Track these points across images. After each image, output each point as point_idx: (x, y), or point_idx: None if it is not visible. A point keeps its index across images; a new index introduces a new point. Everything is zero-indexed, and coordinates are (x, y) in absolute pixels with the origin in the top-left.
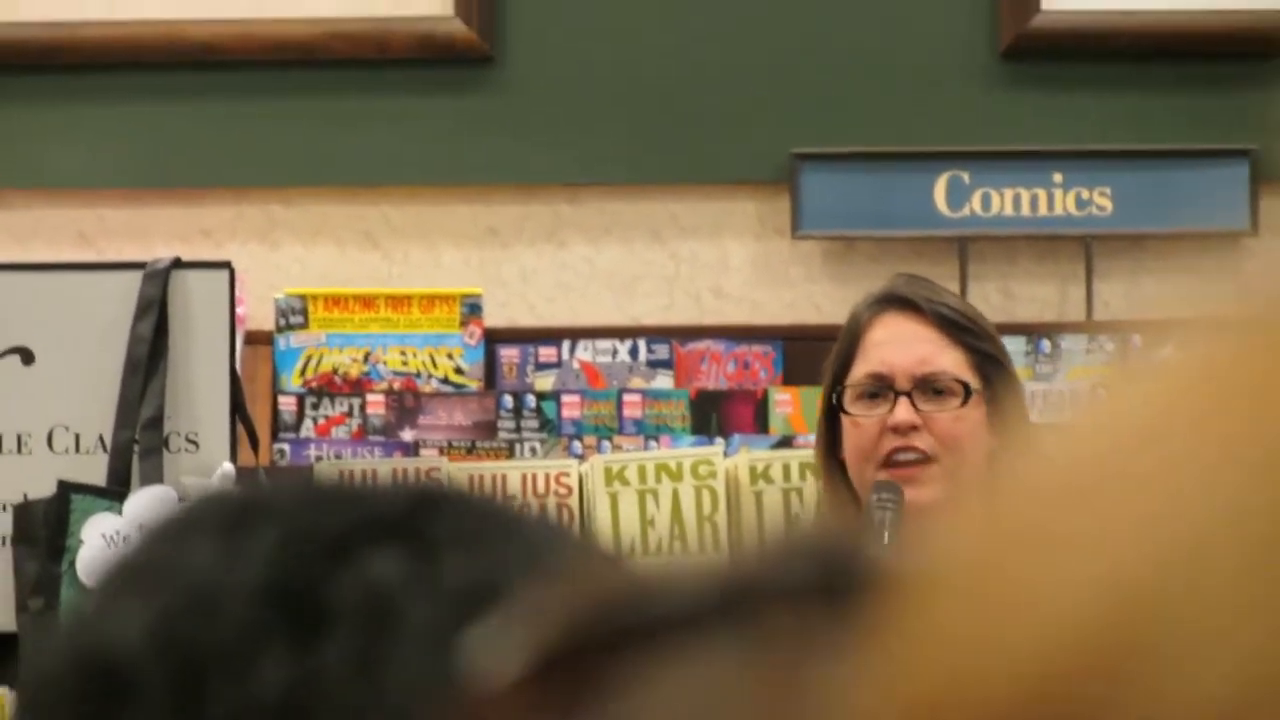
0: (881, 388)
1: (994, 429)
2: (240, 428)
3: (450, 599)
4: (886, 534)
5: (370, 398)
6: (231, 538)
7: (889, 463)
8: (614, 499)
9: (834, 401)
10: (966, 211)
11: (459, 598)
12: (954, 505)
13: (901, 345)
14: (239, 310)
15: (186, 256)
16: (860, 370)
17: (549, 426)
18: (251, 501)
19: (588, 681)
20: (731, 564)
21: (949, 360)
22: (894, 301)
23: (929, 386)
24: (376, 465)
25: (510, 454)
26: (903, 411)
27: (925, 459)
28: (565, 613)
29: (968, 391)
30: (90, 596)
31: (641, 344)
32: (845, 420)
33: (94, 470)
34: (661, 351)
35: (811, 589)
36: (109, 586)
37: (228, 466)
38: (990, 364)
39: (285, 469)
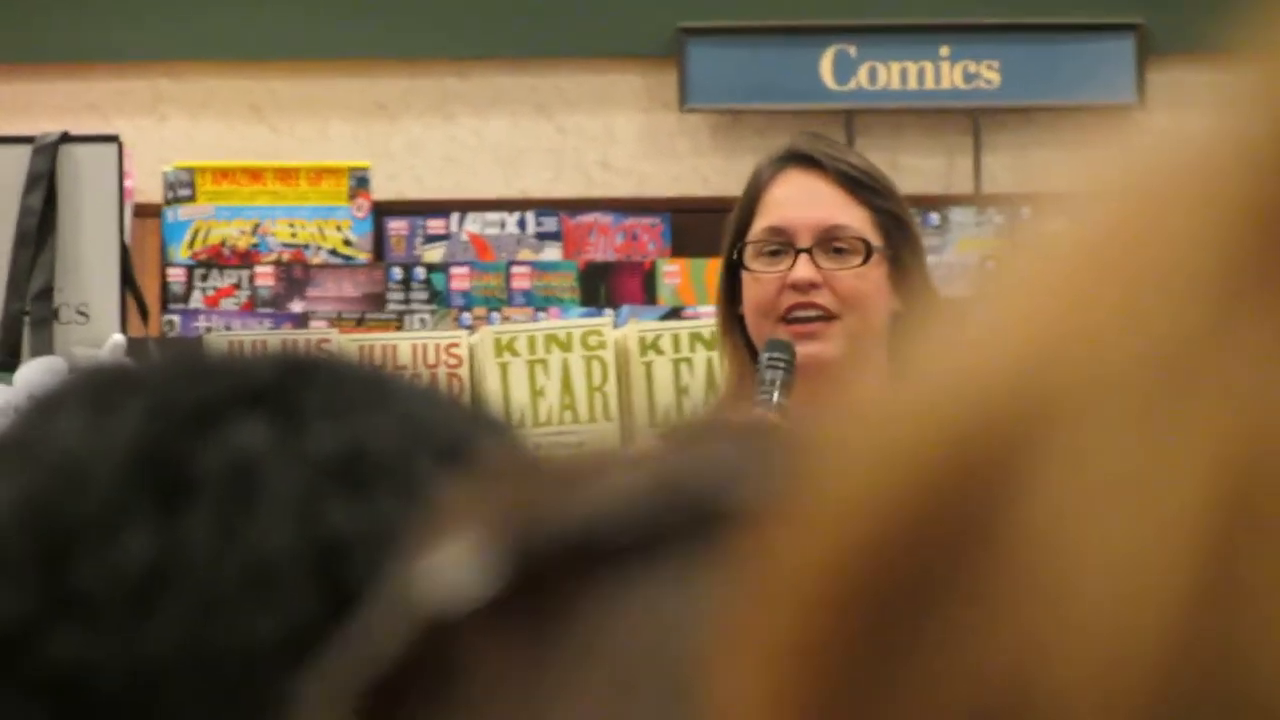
0: (782, 244)
1: (896, 289)
2: (130, 300)
3: (315, 466)
4: (777, 393)
5: (259, 269)
6: (98, 411)
7: (788, 319)
8: (504, 369)
9: (734, 257)
10: (853, 85)
11: (324, 465)
12: (853, 362)
13: (803, 202)
14: (127, 184)
15: (74, 131)
16: (760, 226)
17: (438, 298)
18: (120, 375)
19: (549, 604)
20: (666, 465)
21: (851, 217)
22: (796, 159)
23: (830, 244)
24: (265, 337)
25: (400, 325)
26: (803, 268)
27: (826, 316)
28: (518, 531)
29: (869, 250)
30: None
31: (530, 217)
32: (745, 276)
33: None
34: (550, 224)
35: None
36: None
37: (118, 337)
38: (893, 223)
39: (173, 340)
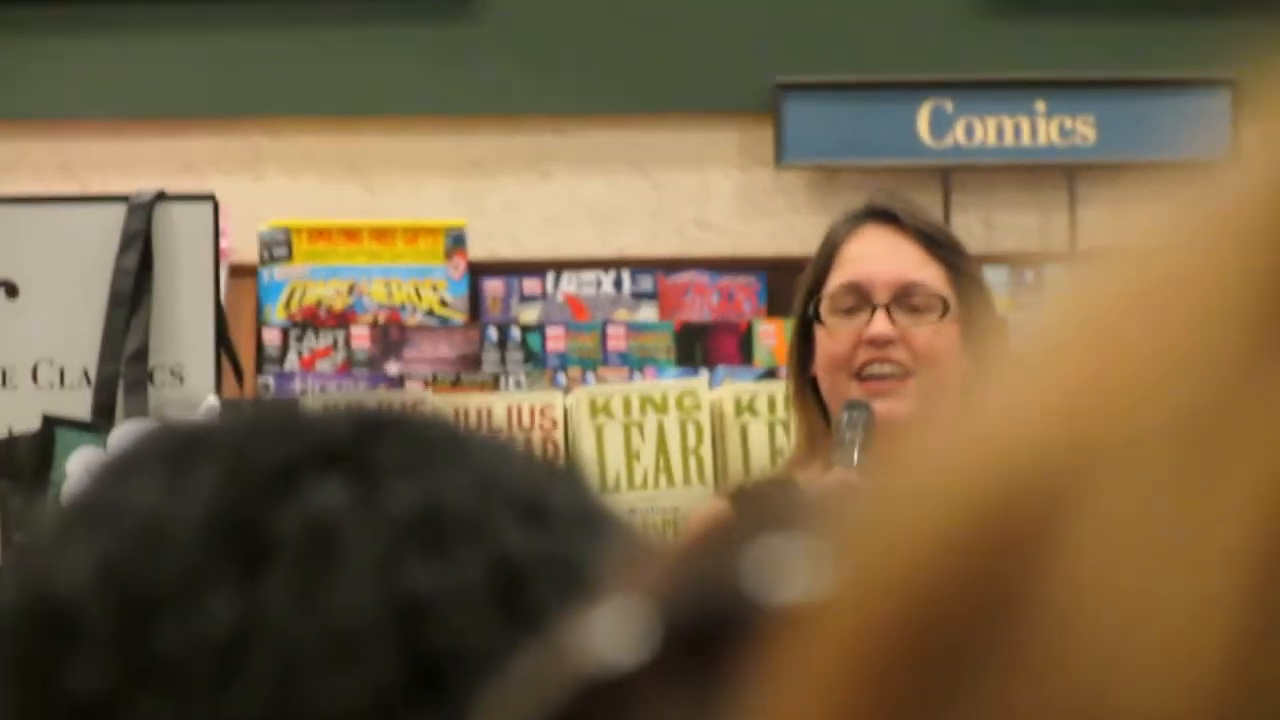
0: (858, 299)
1: (968, 349)
2: (225, 361)
3: (393, 527)
4: (856, 453)
5: (355, 330)
6: (175, 473)
7: (862, 375)
8: (599, 431)
9: (809, 313)
10: (950, 141)
11: (402, 525)
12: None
13: (880, 258)
14: (223, 243)
15: (171, 189)
16: (836, 281)
17: (534, 359)
18: (195, 435)
19: (717, 667)
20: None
21: (928, 275)
22: (873, 215)
23: (906, 301)
24: (362, 399)
25: (495, 386)
26: (880, 323)
27: (901, 373)
28: (690, 586)
29: (946, 306)
30: (37, 536)
31: (625, 276)
32: (819, 331)
33: (79, 404)
34: (645, 283)
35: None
36: (57, 526)
37: (213, 399)
38: (967, 282)
39: (246, 399)
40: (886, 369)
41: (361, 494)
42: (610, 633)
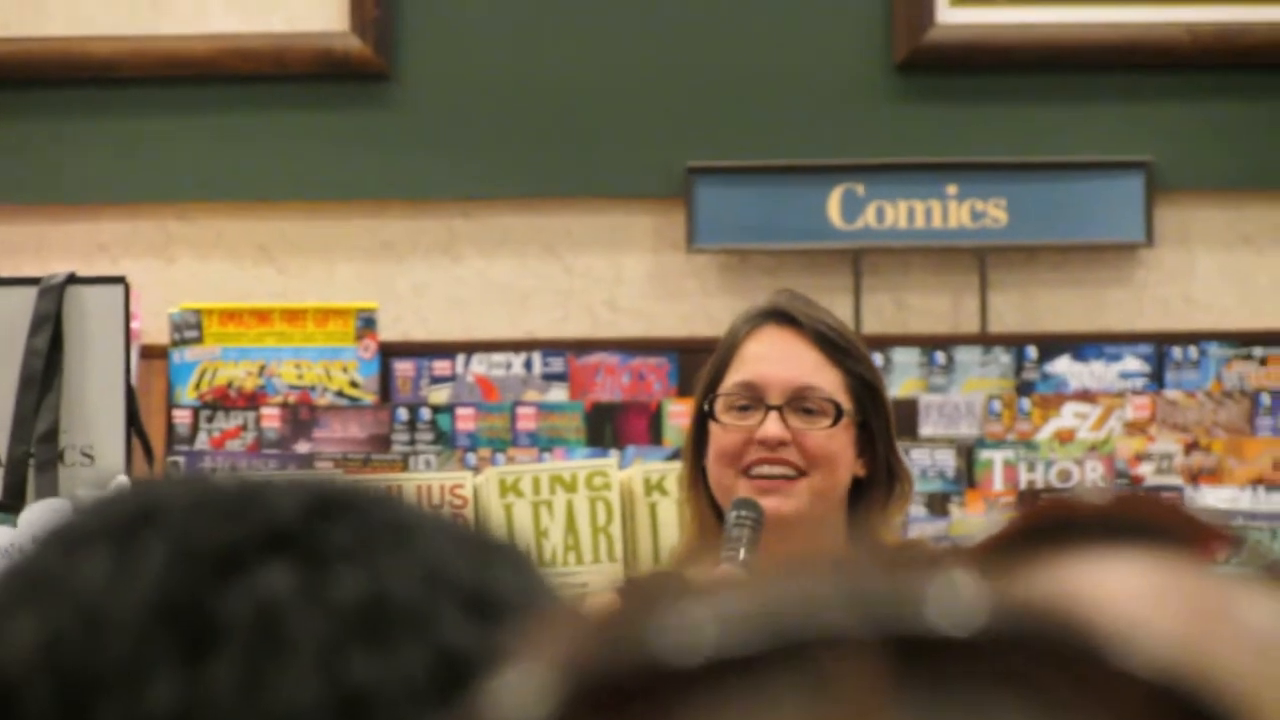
0: (753, 399)
1: (860, 453)
2: (136, 441)
3: (340, 614)
4: (743, 551)
5: (265, 411)
6: (121, 549)
7: (751, 473)
8: (508, 510)
9: (705, 409)
10: (861, 224)
11: (347, 614)
12: (815, 520)
13: (777, 360)
14: (134, 325)
15: (82, 272)
16: (732, 380)
17: (443, 439)
18: (142, 508)
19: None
20: (780, 604)
21: (824, 379)
22: (774, 316)
23: (800, 404)
24: (251, 472)
25: (405, 467)
26: (772, 426)
27: (792, 474)
28: (593, 652)
29: (839, 412)
30: None
31: (536, 357)
32: (713, 427)
33: None
34: (556, 364)
35: (880, 641)
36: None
37: (123, 479)
38: (863, 388)
39: (166, 476)
40: (777, 470)
41: (308, 580)
42: (517, 694)
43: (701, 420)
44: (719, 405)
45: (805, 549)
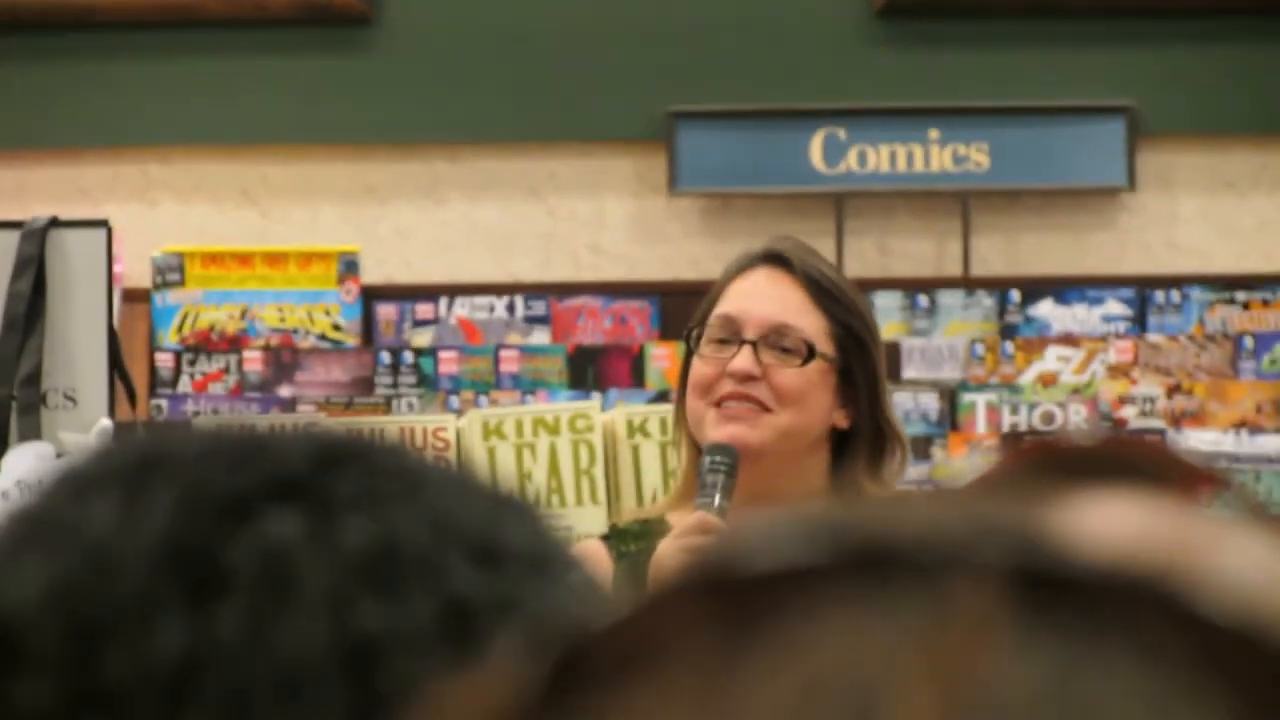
0: (730, 334)
1: (843, 403)
2: (119, 384)
3: (347, 563)
4: (719, 496)
5: (247, 354)
6: (130, 495)
7: (720, 404)
8: (491, 453)
9: (689, 343)
10: (843, 168)
11: (355, 561)
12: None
13: (759, 297)
14: (117, 268)
15: (64, 215)
16: (716, 313)
17: (426, 382)
18: (150, 456)
19: (755, 606)
20: (912, 526)
21: (805, 321)
22: (768, 258)
23: (776, 341)
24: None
25: (388, 409)
26: (743, 359)
27: (758, 409)
28: (723, 549)
29: (811, 353)
30: None
31: (519, 300)
32: (695, 361)
33: None
34: (539, 308)
35: (1006, 569)
36: (3, 543)
37: (106, 422)
38: (849, 337)
39: (167, 423)
40: (745, 406)
41: (317, 528)
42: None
43: (688, 356)
44: (700, 339)
45: (779, 487)
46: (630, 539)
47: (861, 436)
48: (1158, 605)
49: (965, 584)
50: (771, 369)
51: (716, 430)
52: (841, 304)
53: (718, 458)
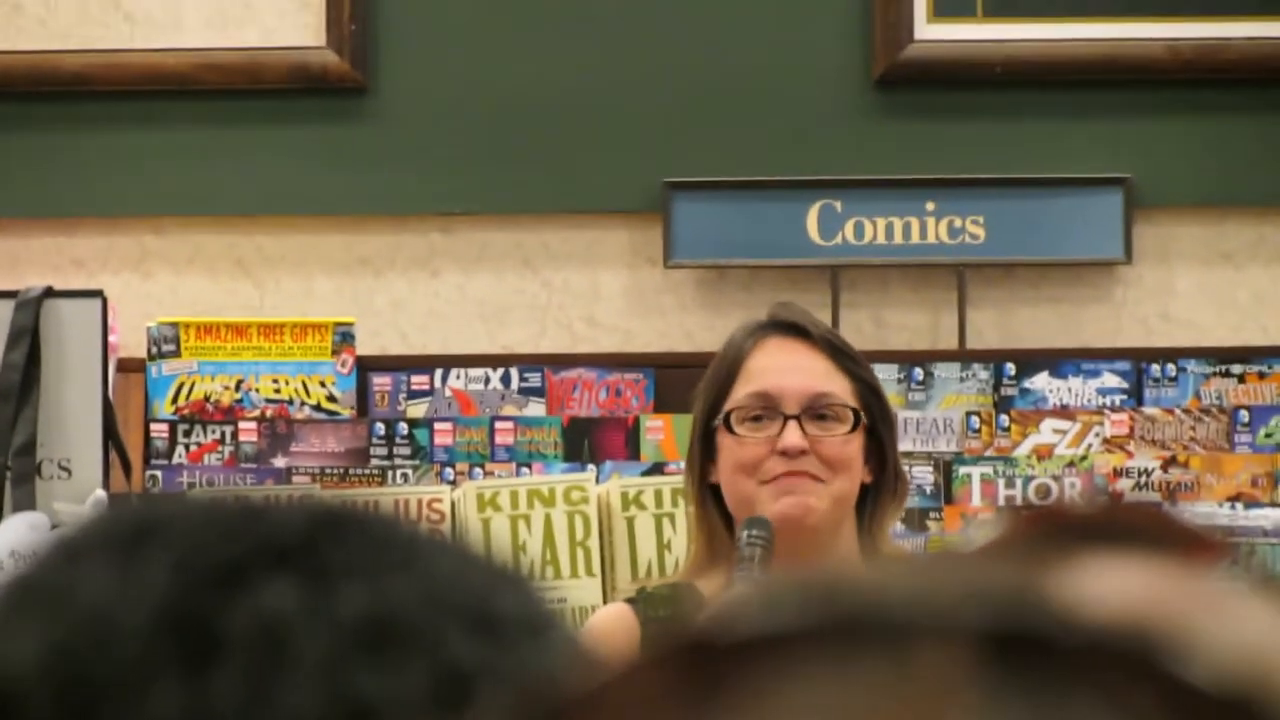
0: (767, 410)
1: (869, 460)
2: (113, 455)
3: (342, 631)
4: (757, 569)
5: (242, 425)
6: (126, 562)
7: (772, 483)
8: (486, 524)
9: (715, 424)
10: (839, 240)
11: (351, 630)
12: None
13: (790, 369)
14: (111, 339)
15: (59, 286)
16: (744, 391)
17: (421, 453)
18: (147, 522)
19: (716, 679)
20: (896, 590)
21: (836, 385)
22: (779, 327)
23: (815, 411)
24: (249, 493)
25: (383, 481)
26: (793, 435)
27: (813, 481)
28: (702, 618)
29: (857, 418)
30: None
31: (514, 372)
32: (726, 440)
33: None
34: (534, 379)
35: (978, 636)
36: (1, 608)
37: (100, 493)
38: (870, 394)
39: (163, 493)
40: (799, 481)
41: (312, 596)
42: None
43: (707, 435)
44: (733, 418)
45: (824, 552)
46: (659, 603)
47: (885, 488)
48: (1141, 669)
49: (932, 647)
50: (819, 441)
51: (773, 507)
52: (857, 362)
53: (755, 532)
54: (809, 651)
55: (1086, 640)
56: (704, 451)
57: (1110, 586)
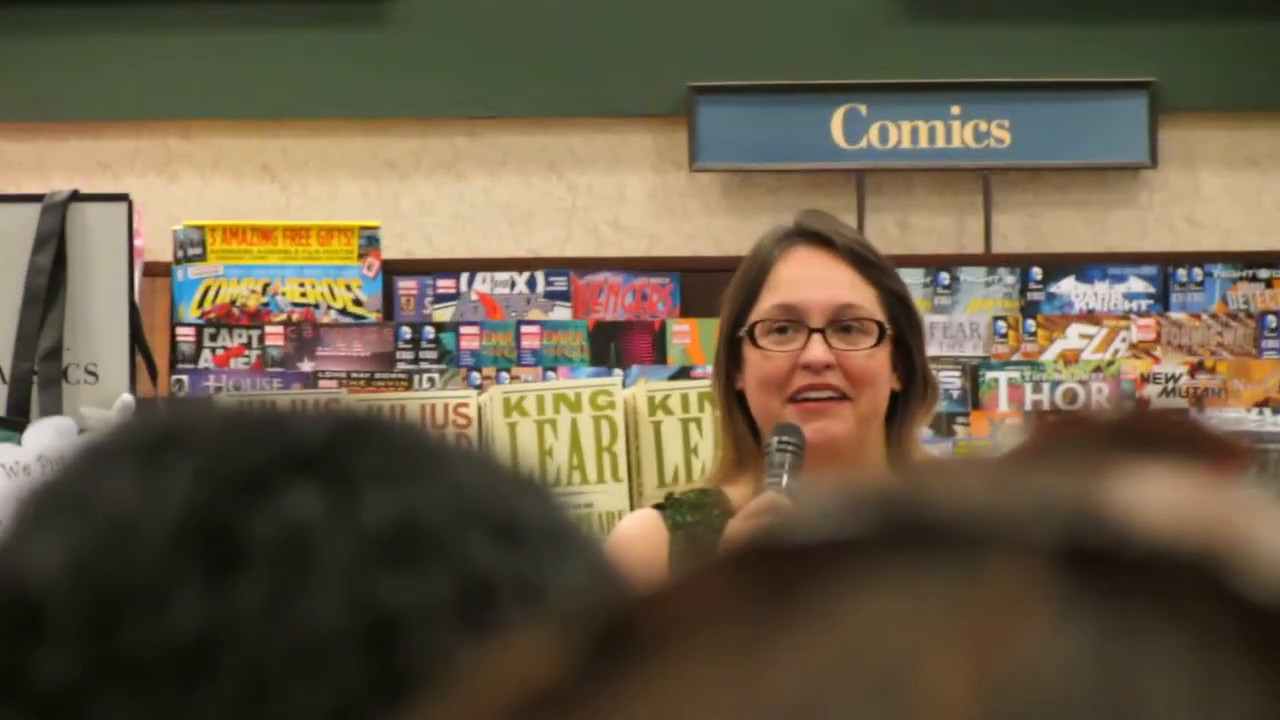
0: (792, 322)
1: (895, 369)
2: (139, 359)
3: (366, 538)
4: (786, 476)
5: (269, 329)
6: (150, 469)
7: (797, 398)
8: (512, 429)
9: (740, 333)
10: (864, 144)
11: (375, 536)
12: (859, 441)
13: (815, 281)
14: (137, 242)
15: (85, 189)
16: (769, 303)
17: (447, 357)
18: (171, 431)
19: (791, 578)
20: (959, 500)
21: (863, 297)
22: (806, 236)
23: (841, 324)
24: (275, 397)
25: (409, 385)
26: (817, 349)
27: (837, 396)
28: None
29: (882, 331)
30: (6, 526)
31: (539, 276)
32: (751, 351)
33: None
34: (559, 283)
35: (1049, 549)
36: (26, 516)
37: (127, 397)
38: (898, 303)
39: (188, 399)
40: (824, 394)
41: (336, 503)
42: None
43: (733, 344)
44: (758, 330)
45: (852, 463)
46: (687, 509)
47: (914, 396)
48: (1204, 583)
49: (1006, 558)
50: (844, 355)
51: (799, 425)
52: (884, 271)
53: (785, 438)
54: (880, 560)
55: (1153, 555)
56: (730, 359)
57: (1162, 498)
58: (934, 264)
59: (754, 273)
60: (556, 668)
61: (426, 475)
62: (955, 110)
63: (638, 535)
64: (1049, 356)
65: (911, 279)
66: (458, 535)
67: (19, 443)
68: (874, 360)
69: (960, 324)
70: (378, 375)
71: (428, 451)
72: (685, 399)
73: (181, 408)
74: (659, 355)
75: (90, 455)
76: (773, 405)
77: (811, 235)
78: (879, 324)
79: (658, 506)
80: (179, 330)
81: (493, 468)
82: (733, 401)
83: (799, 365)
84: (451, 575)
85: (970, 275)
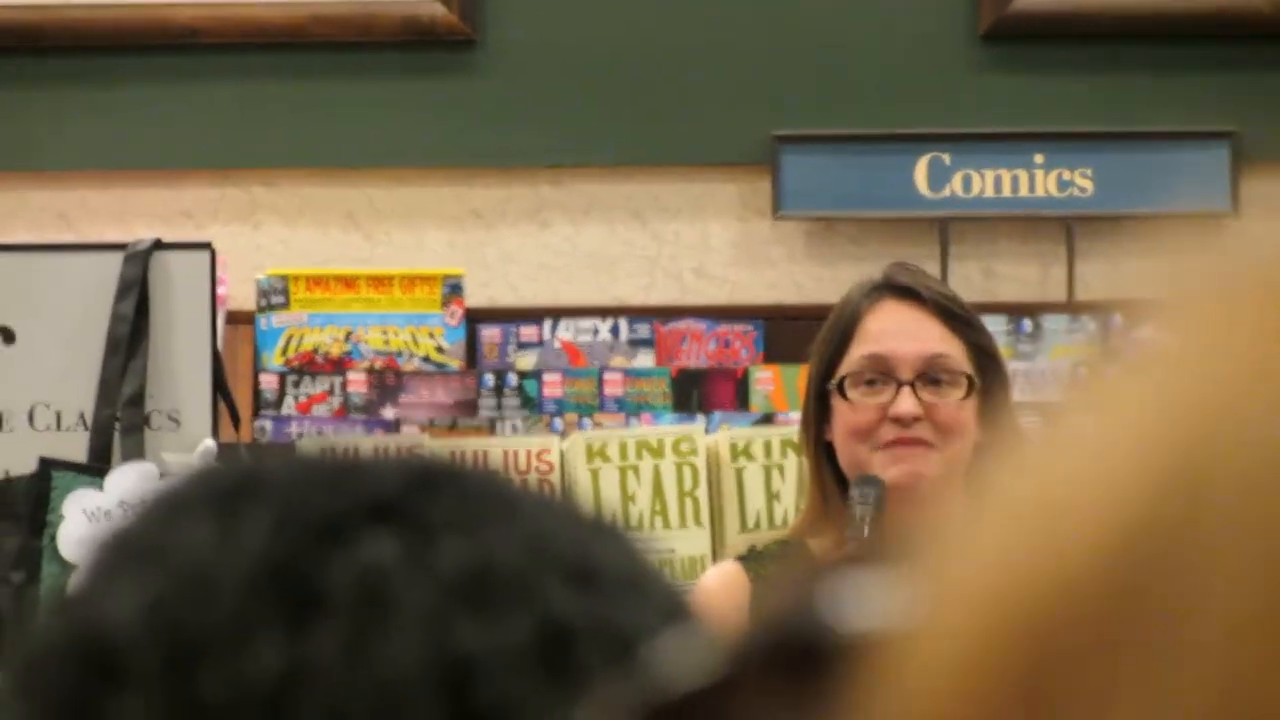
0: (881, 374)
1: (981, 420)
2: (222, 406)
3: (443, 584)
4: (866, 528)
5: (351, 376)
6: (226, 517)
7: (884, 448)
8: (595, 475)
9: (829, 386)
10: (947, 192)
11: (452, 583)
12: (943, 491)
13: (904, 334)
14: (220, 290)
15: (168, 238)
16: (858, 354)
17: (530, 404)
18: (247, 478)
19: (801, 687)
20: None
21: (951, 349)
22: (894, 289)
23: (929, 376)
24: (358, 442)
25: (492, 431)
26: (906, 402)
27: (925, 447)
28: (784, 617)
29: (971, 384)
30: (83, 572)
31: (623, 323)
32: (841, 405)
33: (75, 447)
34: (643, 330)
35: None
36: (103, 563)
37: (209, 443)
38: (984, 356)
39: (271, 445)
40: (912, 447)
41: (412, 550)
42: (686, 655)
43: (822, 395)
44: (847, 382)
45: (929, 517)
46: (768, 561)
47: (1000, 451)
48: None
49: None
50: (933, 407)
51: (885, 474)
52: (972, 325)
53: (865, 489)
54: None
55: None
56: (819, 410)
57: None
58: (1017, 311)
59: (842, 325)
60: None
61: (503, 521)
62: (1039, 159)
63: (720, 588)
64: None
65: (995, 326)
66: (534, 581)
67: (101, 488)
68: (962, 412)
69: (1043, 370)
70: (460, 422)
71: (504, 498)
72: (768, 445)
73: (259, 455)
74: (741, 402)
75: (167, 502)
76: (860, 453)
77: (899, 288)
78: (968, 376)
79: (740, 559)
80: (262, 377)
81: (570, 514)
82: (821, 453)
83: (888, 418)
84: (529, 621)
85: (1053, 323)
